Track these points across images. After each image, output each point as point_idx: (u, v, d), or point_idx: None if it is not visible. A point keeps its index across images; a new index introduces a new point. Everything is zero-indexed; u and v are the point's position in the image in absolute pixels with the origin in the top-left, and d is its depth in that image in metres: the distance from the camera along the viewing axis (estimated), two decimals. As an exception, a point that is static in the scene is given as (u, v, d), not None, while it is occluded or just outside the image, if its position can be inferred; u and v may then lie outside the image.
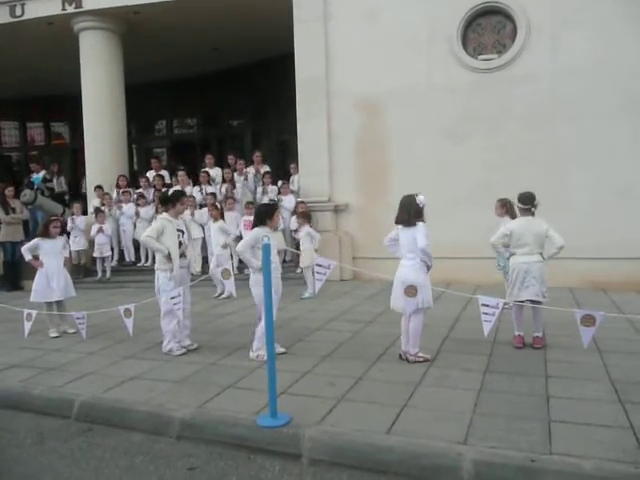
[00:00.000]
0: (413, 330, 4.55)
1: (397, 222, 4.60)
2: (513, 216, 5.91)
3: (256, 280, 4.74)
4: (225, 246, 7.95)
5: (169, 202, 5.22)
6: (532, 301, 4.82)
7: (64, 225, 8.33)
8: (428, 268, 4.55)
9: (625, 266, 7.70)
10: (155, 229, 5.07)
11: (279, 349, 4.74)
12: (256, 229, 4.83)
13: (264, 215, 4.88)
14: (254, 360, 4.74)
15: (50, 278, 6.01)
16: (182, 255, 5.16)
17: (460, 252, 8.07)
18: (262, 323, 4.81)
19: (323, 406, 3.68)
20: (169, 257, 5.03)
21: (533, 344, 4.90)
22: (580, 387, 3.91)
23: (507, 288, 5.15)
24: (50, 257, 6.07)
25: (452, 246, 7.86)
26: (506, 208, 6.21)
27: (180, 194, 5.43)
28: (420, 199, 4.50)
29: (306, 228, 7.89)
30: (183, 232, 5.21)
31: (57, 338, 5.89)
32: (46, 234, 6.10)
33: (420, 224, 4.47)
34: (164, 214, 5.20)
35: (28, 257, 6.07)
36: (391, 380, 4.16)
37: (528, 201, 4.93)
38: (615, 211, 7.86)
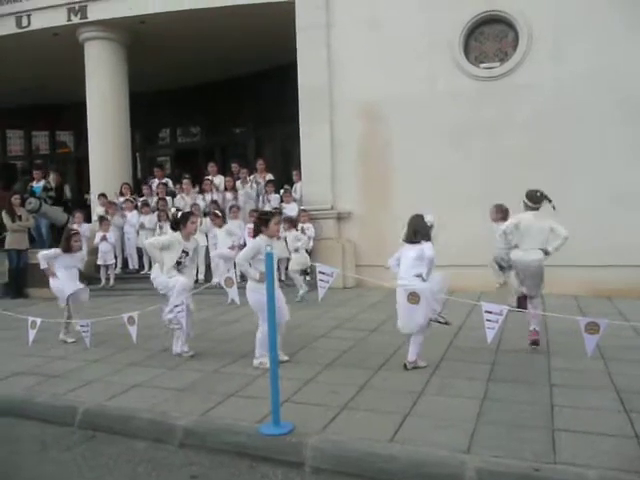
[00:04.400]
0: (415, 340, 4.57)
1: (405, 240, 4.59)
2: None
3: (251, 287, 4.78)
4: (233, 248, 7.97)
5: (179, 224, 5.36)
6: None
7: None
8: (424, 279, 4.51)
9: (629, 273, 7.67)
10: (162, 242, 5.27)
11: (282, 357, 4.74)
12: (256, 239, 4.85)
13: (259, 225, 4.90)
14: (258, 368, 4.74)
15: (64, 282, 6.05)
16: (179, 272, 5.27)
17: (463, 260, 8.06)
18: (260, 329, 4.82)
19: (326, 414, 3.67)
20: (163, 270, 5.19)
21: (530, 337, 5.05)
22: (584, 396, 3.89)
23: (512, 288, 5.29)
24: (65, 271, 6.09)
25: (455, 253, 7.83)
26: (502, 214, 6.27)
27: (188, 214, 5.59)
28: (429, 219, 4.53)
29: (293, 233, 7.90)
30: (188, 254, 5.31)
31: (61, 345, 5.88)
32: (68, 249, 6.09)
33: (429, 243, 4.49)
34: (177, 234, 5.31)
35: (44, 265, 6.05)
36: (394, 388, 4.15)
37: (537, 200, 5.02)
38: (618, 218, 7.84)
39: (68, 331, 6.06)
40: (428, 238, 4.52)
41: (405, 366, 4.59)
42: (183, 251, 5.25)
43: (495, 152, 8.49)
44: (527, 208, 5.08)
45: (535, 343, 5.08)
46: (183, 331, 5.23)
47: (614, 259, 7.73)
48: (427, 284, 4.48)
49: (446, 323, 4.71)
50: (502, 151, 8.46)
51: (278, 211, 8.52)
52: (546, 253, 4.96)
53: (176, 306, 5.03)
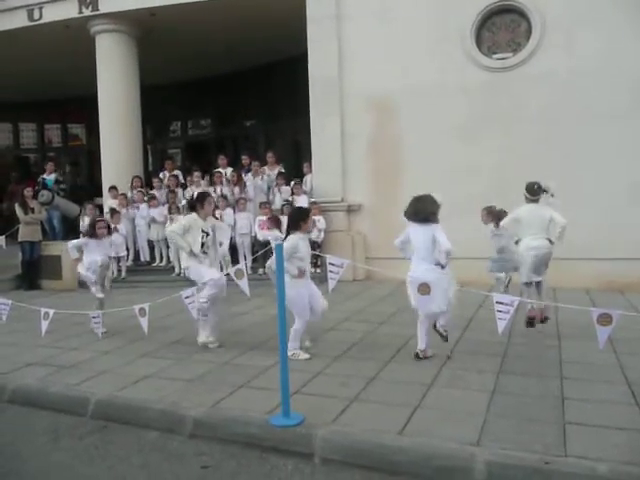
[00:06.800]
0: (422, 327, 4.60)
1: (415, 219, 4.53)
2: (498, 224, 6.21)
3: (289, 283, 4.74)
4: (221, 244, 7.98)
5: (196, 204, 5.32)
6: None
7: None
8: (443, 267, 4.48)
9: (642, 267, 7.60)
10: (182, 225, 5.19)
11: (306, 343, 4.98)
12: (291, 237, 4.72)
13: (298, 219, 4.82)
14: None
15: (94, 268, 6.10)
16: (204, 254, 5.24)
17: (472, 252, 8.00)
18: (295, 325, 4.78)
19: (336, 406, 3.68)
20: (192, 253, 5.14)
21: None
22: (595, 389, 3.87)
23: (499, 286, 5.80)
24: (96, 255, 6.13)
25: (465, 246, 7.76)
26: (492, 216, 6.34)
27: (205, 195, 5.51)
28: (438, 198, 4.53)
29: (275, 233, 7.85)
30: (208, 234, 5.27)
31: (73, 336, 5.93)
32: (93, 235, 6.15)
33: (438, 225, 4.46)
34: (194, 214, 5.28)
35: (75, 255, 6.11)
36: (404, 380, 4.15)
37: (535, 192, 5.23)
38: (630, 211, 7.74)
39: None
40: (436, 219, 4.50)
41: (416, 355, 4.60)
42: (203, 231, 5.20)
43: (507, 144, 8.40)
44: (527, 200, 5.29)
45: (531, 322, 5.23)
46: (208, 321, 5.25)
47: (627, 252, 7.64)
48: (445, 273, 4.46)
49: (443, 335, 4.70)
50: (515, 143, 8.37)
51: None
52: (550, 242, 5.08)
53: (186, 297, 5.05)
